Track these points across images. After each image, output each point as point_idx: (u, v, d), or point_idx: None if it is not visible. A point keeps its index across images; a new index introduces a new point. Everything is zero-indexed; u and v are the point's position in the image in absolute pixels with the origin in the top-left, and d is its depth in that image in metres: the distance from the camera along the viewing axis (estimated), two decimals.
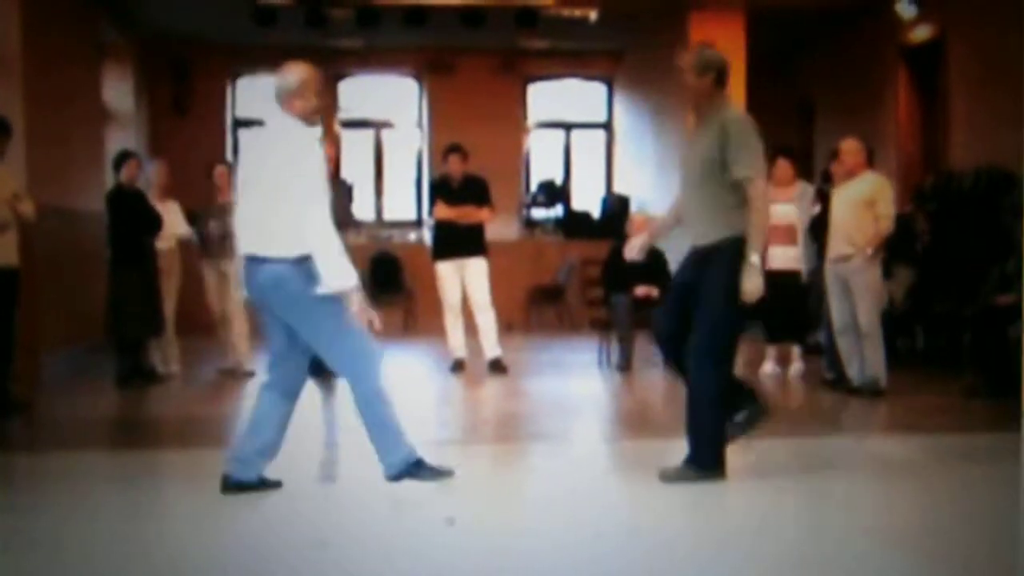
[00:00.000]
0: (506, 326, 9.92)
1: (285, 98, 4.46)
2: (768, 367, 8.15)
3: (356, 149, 13.44)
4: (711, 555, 3.60)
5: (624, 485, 4.73)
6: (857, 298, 6.90)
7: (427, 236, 10.49)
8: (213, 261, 8.24)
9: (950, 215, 8.90)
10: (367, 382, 4.26)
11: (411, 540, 3.78)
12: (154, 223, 7.77)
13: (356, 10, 10.89)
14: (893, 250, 7.63)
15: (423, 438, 5.34)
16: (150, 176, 8.32)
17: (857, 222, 6.88)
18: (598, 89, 14.08)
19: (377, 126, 13.68)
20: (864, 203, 6.88)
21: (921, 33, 10.42)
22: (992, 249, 7.77)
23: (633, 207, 12.24)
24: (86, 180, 9.73)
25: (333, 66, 13.29)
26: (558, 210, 13.49)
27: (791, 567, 3.46)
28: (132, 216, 7.70)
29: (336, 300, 4.19)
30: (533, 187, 13.69)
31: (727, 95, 4.70)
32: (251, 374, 8.17)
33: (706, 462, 4.54)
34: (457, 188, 8.41)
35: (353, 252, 9.08)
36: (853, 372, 7.04)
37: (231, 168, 9.02)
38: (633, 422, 6.66)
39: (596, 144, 14.15)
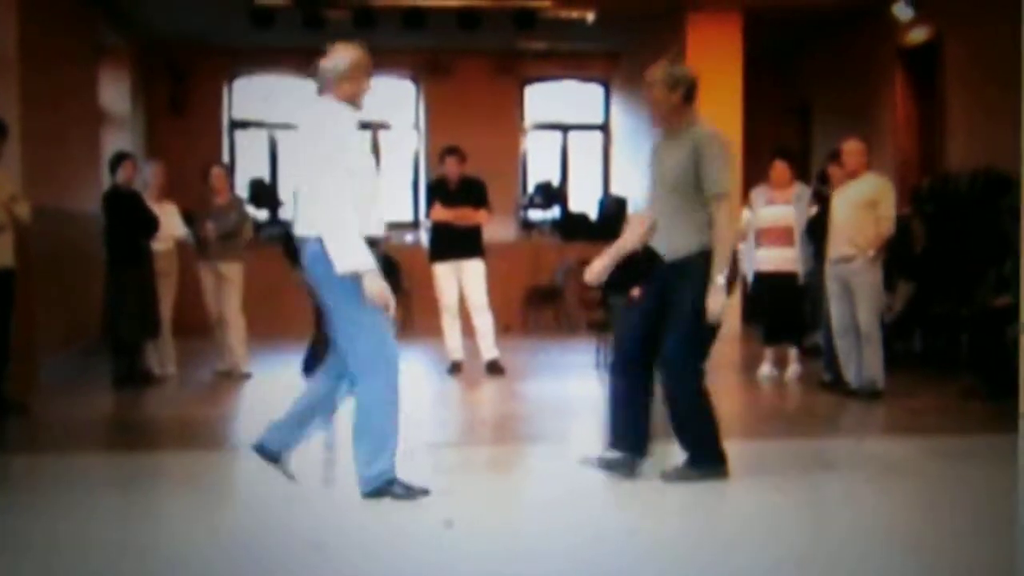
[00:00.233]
0: (503, 328, 9.91)
1: (334, 81, 4.30)
2: (766, 369, 8.15)
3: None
4: (710, 556, 3.60)
5: (622, 486, 4.72)
6: (858, 299, 6.89)
7: (424, 238, 10.48)
8: (210, 263, 8.22)
9: (947, 217, 8.91)
10: (372, 387, 4.20)
11: (409, 542, 3.77)
12: (151, 224, 7.76)
13: (353, 12, 10.87)
14: (893, 262, 7.61)
15: (420, 440, 5.34)
16: (147, 177, 8.31)
17: (858, 223, 6.88)
18: (595, 91, 14.08)
19: (374, 127, 13.66)
20: (866, 204, 6.88)
21: (918, 35, 10.43)
22: (989, 251, 7.78)
23: (630, 208, 12.24)
24: (82, 181, 9.71)
25: None
26: (555, 212, 13.49)
27: (791, 568, 3.46)
28: (129, 217, 7.68)
29: (357, 287, 4.11)
30: (530, 189, 13.68)
31: (696, 110, 4.69)
32: (248, 376, 8.17)
33: (706, 461, 4.55)
34: (454, 190, 8.40)
35: None
36: (851, 374, 7.03)
37: (227, 170, 9.03)
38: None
39: (593, 146, 14.14)
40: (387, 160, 13.69)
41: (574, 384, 8.21)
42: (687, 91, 4.61)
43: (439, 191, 8.46)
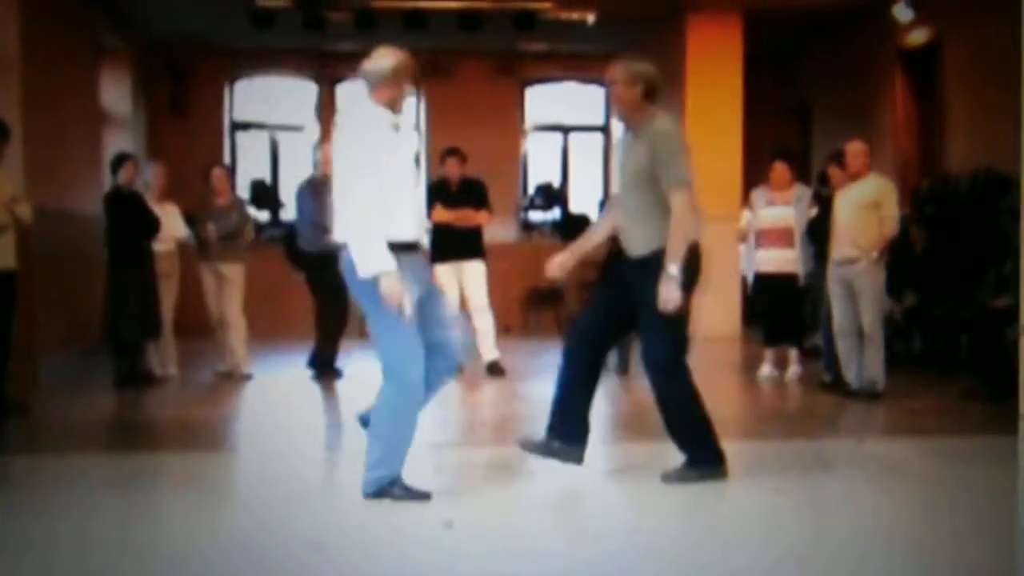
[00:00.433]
0: (504, 329, 9.92)
1: (375, 83, 4.29)
2: (766, 370, 8.16)
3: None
4: (710, 556, 3.60)
5: (623, 487, 4.73)
6: (861, 301, 6.90)
7: (424, 239, 10.48)
8: (211, 264, 8.23)
9: (947, 218, 8.91)
10: (392, 392, 4.22)
11: (409, 543, 3.78)
12: (152, 225, 7.76)
13: (354, 13, 10.88)
14: (896, 267, 7.60)
15: (421, 441, 5.34)
16: (148, 178, 8.31)
17: (861, 225, 6.88)
18: (596, 92, 14.08)
19: None
20: (868, 205, 6.89)
21: (918, 36, 10.44)
22: (989, 252, 7.78)
23: None
24: (84, 182, 9.72)
25: (331, 69, 13.29)
26: (556, 213, 13.50)
27: (791, 568, 3.47)
28: (130, 218, 7.68)
29: (374, 287, 4.13)
30: (531, 190, 13.69)
31: (655, 107, 4.70)
32: (249, 377, 8.17)
33: (705, 460, 4.56)
34: (455, 191, 8.41)
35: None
36: (851, 375, 7.04)
37: (229, 171, 9.03)
38: (631, 424, 6.66)
39: (594, 147, 14.15)
40: None
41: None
42: (647, 87, 4.63)
43: (440, 192, 8.46)
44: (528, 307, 12.61)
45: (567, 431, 4.67)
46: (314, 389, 7.94)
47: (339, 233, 4.26)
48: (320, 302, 8.20)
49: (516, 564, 3.52)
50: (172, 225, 8.17)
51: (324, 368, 8.21)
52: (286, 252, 8.67)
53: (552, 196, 13.57)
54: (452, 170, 8.42)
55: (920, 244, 8.90)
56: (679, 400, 4.61)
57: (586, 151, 14.17)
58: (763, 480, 4.73)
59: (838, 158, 7.53)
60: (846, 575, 3.44)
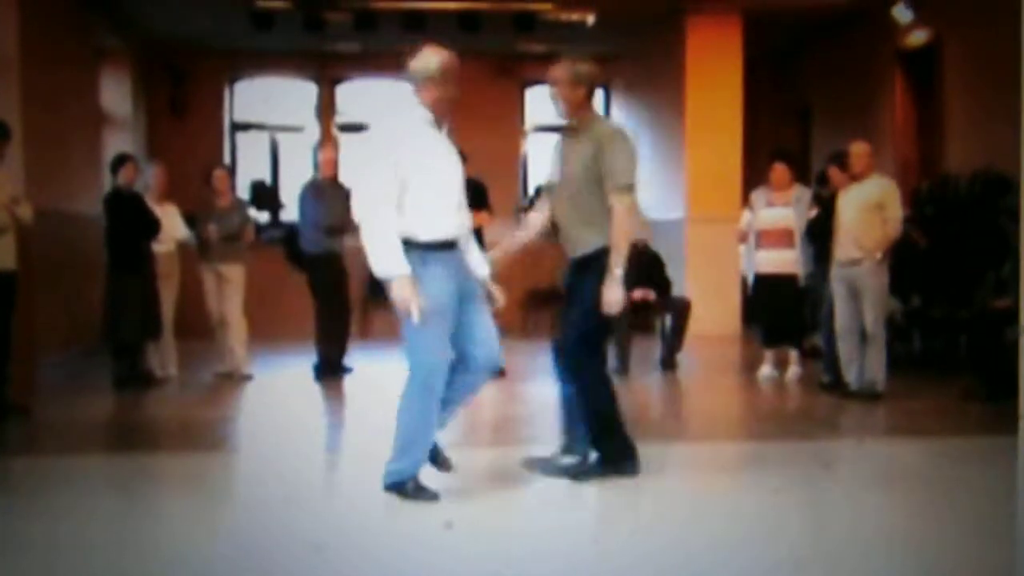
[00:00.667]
0: (503, 329, 9.91)
1: (419, 82, 4.30)
2: (766, 370, 8.16)
3: (354, 153, 13.45)
4: (710, 557, 3.61)
5: (622, 487, 4.73)
6: (865, 301, 6.90)
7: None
8: (212, 264, 8.23)
9: (947, 219, 8.92)
10: (411, 389, 4.25)
11: (408, 543, 3.78)
12: (152, 226, 7.76)
13: (354, 14, 10.89)
14: (901, 270, 7.59)
15: None
16: (148, 179, 8.31)
17: (865, 226, 6.88)
18: (595, 93, 14.08)
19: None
20: (872, 206, 6.89)
21: (917, 37, 10.45)
22: (989, 253, 7.79)
23: None
24: (84, 183, 9.73)
25: (330, 70, 13.31)
26: None
27: (790, 568, 3.47)
28: (130, 219, 7.68)
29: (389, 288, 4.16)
30: (531, 191, 13.69)
31: (597, 107, 4.73)
32: (249, 377, 8.18)
33: (611, 456, 4.60)
34: None
35: (351, 255, 9.09)
36: (851, 376, 7.04)
37: (230, 172, 9.04)
38: (630, 425, 6.65)
39: None
40: None
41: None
42: (590, 88, 4.65)
43: None
44: (528, 308, 12.61)
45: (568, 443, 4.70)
46: (314, 389, 7.94)
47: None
48: (321, 303, 8.22)
49: (516, 564, 3.53)
50: (172, 226, 8.18)
51: (330, 369, 8.21)
52: (286, 253, 8.68)
53: None
54: None
55: (922, 243, 8.88)
56: (583, 393, 4.62)
57: None
58: (763, 480, 4.73)
59: (837, 159, 7.54)
60: (846, 575, 3.44)
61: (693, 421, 6.99)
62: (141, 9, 11.06)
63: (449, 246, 4.27)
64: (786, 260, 7.86)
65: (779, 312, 8.01)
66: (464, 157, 8.81)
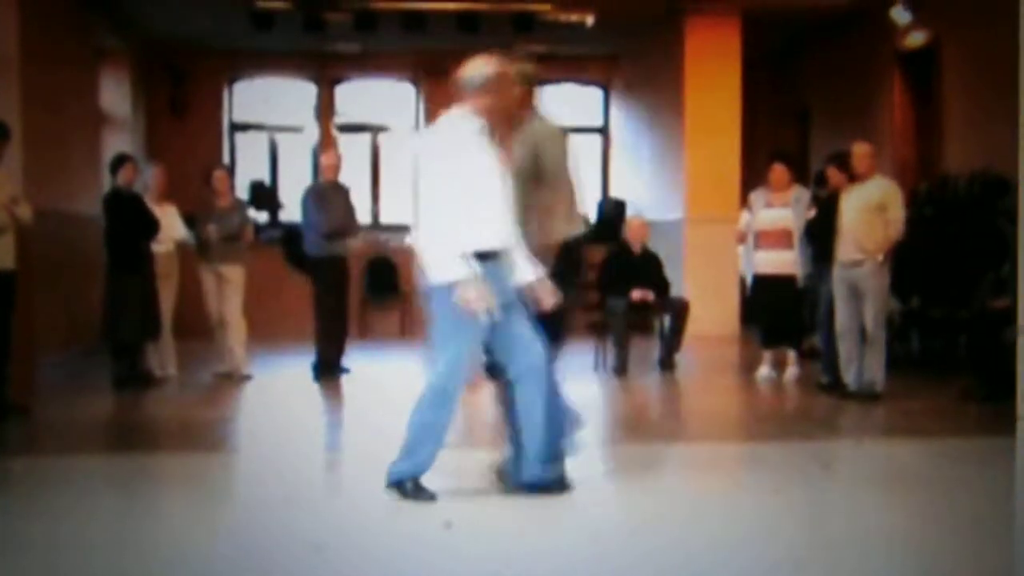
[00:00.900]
0: None
1: (468, 91, 4.28)
2: (764, 371, 8.16)
3: (353, 153, 13.45)
4: (709, 557, 3.61)
5: (621, 488, 4.74)
6: (866, 302, 6.90)
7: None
8: (212, 265, 8.23)
9: (945, 220, 8.92)
10: (433, 387, 4.25)
11: (408, 543, 3.78)
12: (151, 227, 7.76)
13: (353, 14, 10.89)
14: (903, 271, 7.59)
15: None
16: (147, 179, 8.31)
17: (866, 227, 6.87)
18: (594, 94, 14.09)
19: (374, 130, 13.69)
20: (874, 207, 6.88)
21: (916, 39, 10.46)
22: (987, 253, 7.79)
23: (629, 211, 12.26)
24: (83, 183, 9.73)
25: (330, 70, 13.31)
26: None
27: (789, 569, 3.47)
28: (129, 220, 7.68)
29: (441, 294, 4.17)
30: None
31: (537, 108, 4.76)
32: (248, 378, 8.18)
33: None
34: None
35: (351, 258, 9.09)
36: (850, 376, 7.04)
37: (230, 172, 9.05)
38: (629, 426, 6.67)
39: (592, 148, 14.16)
40: (387, 163, 13.72)
41: (573, 386, 8.17)
42: (529, 87, 4.67)
43: None
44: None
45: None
46: (313, 389, 7.95)
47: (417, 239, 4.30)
48: (320, 304, 8.25)
49: (515, 564, 3.53)
50: (171, 226, 8.18)
51: (328, 369, 8.23)
52: (285, 254, 8.69)
53: None
54: None
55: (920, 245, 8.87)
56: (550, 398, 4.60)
57: (585, 152, 14.16)
58: (762, 481, 4.74)
59: (836, 159, 7.54)
60: (845, 575, 3.45)
61: (692, 421, 6.99)
62: (141, 9, 11.06)
63: (493, 256, 4.27)
64: (785, 261, 7.86)
65: (778, 313, 8.01)
66: None
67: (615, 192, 13.66)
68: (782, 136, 12.93)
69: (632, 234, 8.91)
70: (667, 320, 8.82)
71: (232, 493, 4.86)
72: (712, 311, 10.53)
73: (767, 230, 7.94)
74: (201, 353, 8.78)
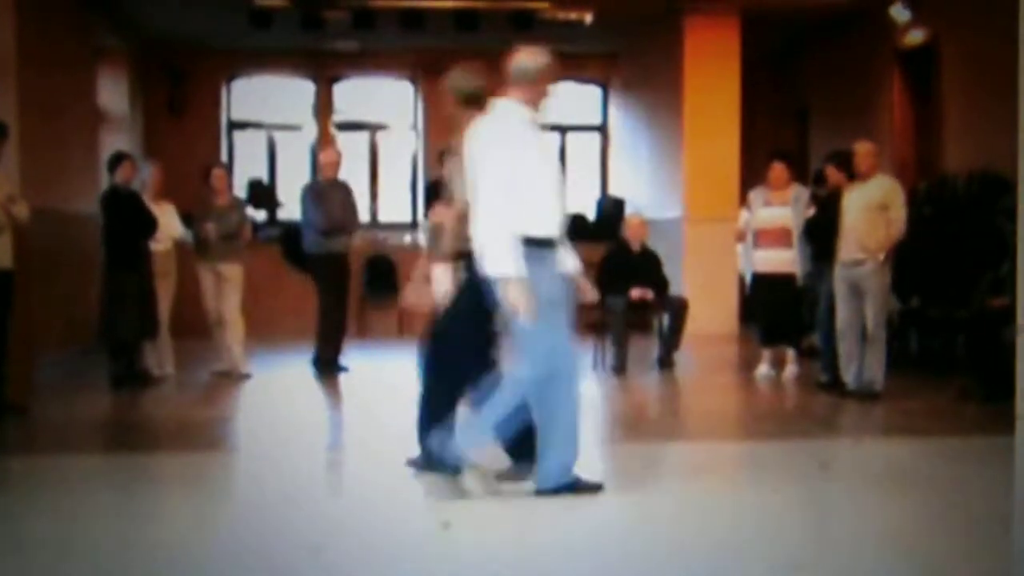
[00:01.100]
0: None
1: (518, 82, 4.30)
2: (763, 369, 8.16)
3: (351, 152, 13.44)
4: (708, 557, 3.60)
5: (620, 487, 4.73)
6: (867, 301, 6.89)
7: (422, 238, 10.49)
8: (210, 263, 8.23)
9: (944, 219, 8.92)
10: (536, 381, 4.22)
11: (407, 544, 3.78)
12: (150, 225, 7.75)
13: (352, 12, 10.88)
14: (904, 271, 7.58)
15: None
16: (144, 178, 8.30)
17: (868, 226, 6.86)
18: (593, 92, 14.08)
19: (372, 128, 13.68)
20: (876, 207, 6.88)
21: (915, 37, 10.45)
22: (986, 252, 7.79)
23: (628, 209, 12.25)
24: (81, 182, 9.72)
25: (328, 68, 13.29)
26: None
27: (787, 568, 3.47)
28: (127, 218, 7.67)
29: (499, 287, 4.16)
30: None
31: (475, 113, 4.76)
32: (247, 376, 8.17)
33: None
34: None
35: (351, 254, 9.11)
36: (850, 375, 7.04)
37: (228, 170, 9.05)
38: (628, 424, 6.67)
39: (591, 147, 14.15)
40: (385, 161, 13.72)
41: None
42: (461, 97, 4.73)
43: (438, 192, 8.46)
44: None
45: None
46: (312, 388, 7.95)
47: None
48: (322, 302, 8.28)
49: (514, 565, 3.52)
50: (169, 224, 8.17)
51: (327, 366, 8.27)
52: (283, 252, 8.70)
53: None
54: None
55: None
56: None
57: (584, 151, 14.16)
58: (761, 480, 4.74)
59: (835, 158, 7.53)
60: (844, 575, 3.44)
61: (691, 420, 6.99)
62: (139, 8, 11.05)
63: (550, 244, 4.27)
64: (784, 260, 7.86)
65: (777, 311, 8.01)
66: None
67: (614, 191, 13.65)
68: (781, 135, 12.93)
69: (631, 233, 8.91)
70: (666, 319, 8.81)
71: (231, 492, 4.86)
72: (711, 310, 10.53)
73: (766, 229, 7.94)
74: (199, 352, 8.78)
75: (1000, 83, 7.31)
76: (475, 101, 4.60)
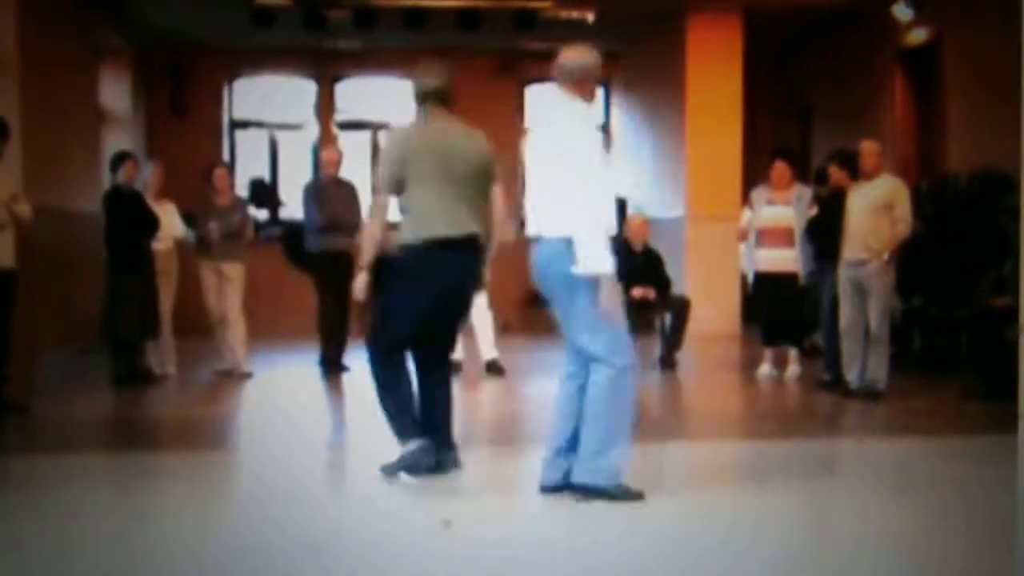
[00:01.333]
0: (503, 327, 9.91)
1: (578, 79, 4.33)
2: (765, 369, 8.16)
3: (353, 151, 13.43)
4: (709, 556, 3.60)
5: None
6: (871, 301, 6.88)
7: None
8: (212, 262, 8.23)
9: (947, 218, 8.91)
10: (605, 377, 4.20)
11: (407, 543, 3.77)
12: (152, 224, 7.75)
13: (353, 11, 10.88)
14: (907, 271, 7.58)
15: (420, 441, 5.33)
16: (146, 177, 8.31)
17: (872, 226, 6.85)
18: (595, 92, 14.06)
19: (374, 128, 13.67)
20: (881, 206, 6.87)
21: (918, 36, 10.44)
22: (989, 251, 7.78)
23: (630, 209, 12.22)
24: (83, 182, 9.72)
25: (330, 67, 13.29)
26: None
27: (789, 569, 3.46)
28: (130, 217, 7.68)
29: (591, 284, 4.13)
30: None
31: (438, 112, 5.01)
32: (248, 375, 8.17)
33: (405, 453, 4.64)
34: None
35: (353, 253, 9.11)
36: (852, 375, 7.03)
37: (230, 170, 9.06)
38: (630, 424, 6.65)
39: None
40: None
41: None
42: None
43: None
44: (527, 306, 12.58)
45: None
46: (314, 387, 7.95)
47: (545, 225, 4.25)
48: (322, 301, 8.28)
49: (515, 565, 3.52)
50: (170, 224, 8.17)
51: (330, 366, 8.28)
52: (284, 251, 8.70)
53: None
54: None
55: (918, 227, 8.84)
56: (376, 385, 4.82)
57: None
58: (763, 479, 4.73)
59: (837, 157, 7.52)
60: (846, 574, 3.44)
61: (692, 420, 6.98)
62: (141, 8, 11.05)
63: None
64: (786, 259, 7.85)
65: (779, 311, 8.00)
66: None
67: (616, 190, 13.64)
68: (783, 134, 12.92)
69: (633, 232, 8.90)
70: (668, 318, 8.81)
71: (232, 491, 4.85)
72: (713, 309, 10.52)
73: (768, 228, 7.93)
74: (201, 351, 8.78)
75: (1002, 82, 7.30)
76: (438, 98, 4.83)
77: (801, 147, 12.45)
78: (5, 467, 5.27)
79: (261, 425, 6.66)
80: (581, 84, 4.32)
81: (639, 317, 8.90)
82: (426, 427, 4.71)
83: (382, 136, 5.00)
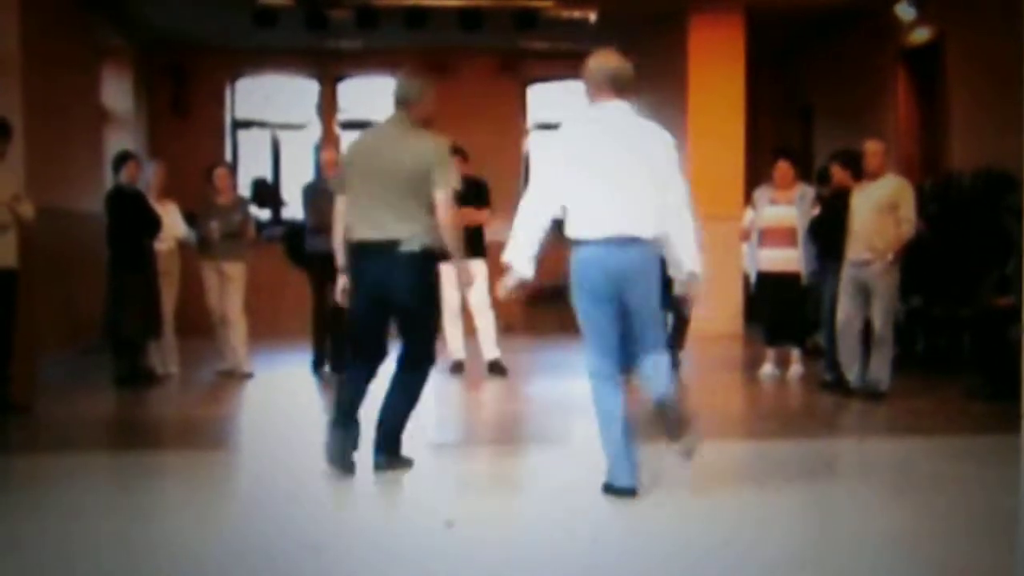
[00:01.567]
0: (505, 327, 9.91)
1: (627, 85, 4.56)
2: (767, 368, 8.15)
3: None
4: (710, 555, 3.60)
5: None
6: (875, 302, 6.87)
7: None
8: (214, 262, 8.23)
9: (949, 217, 8.90)
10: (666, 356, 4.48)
11: (409, 543, 3.77)
12: (154, 224, 7.76)
13: (355, 11, 10.88)
14: (909, 271, 7.58)
15: (422, 440, 5.34)
16: (148, 177, 8.31)
17: (877, 226, 6.84)
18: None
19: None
20: (886, 206, 6.85)
21: (920, 35, 10.43)
22: (992, 251, 7.77)
23: None
24: (85, 181, 9.73)
25: (332, 67, 13.29)
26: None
27: (790, 569, 3.46)
28: (132, 217, 7.68)
29: (666, 282, 4.38)
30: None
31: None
32: (250, 375, 8.18)
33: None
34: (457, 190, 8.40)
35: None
36: (853, 374, 7.02)
37: (232, 169, 9.06)
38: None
39: None
40: None
41: (576, 384, 8.16)
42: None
43: None
44: (529, 306, 12.59)
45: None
46: (315, 388, 7.94)
47: (636, 227, 4.44)
48: (315, 302, 8.27)
49: (516, 564, 3.52)
50: (172, 224, 8.18)
51: (321, 368, 8.27)
52: (286, 251, 8.70)
53: None
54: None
55: (924, 229, 8.84)
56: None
57: None
58: (765, 479, 4.73)
59: (840, 157, 7.51)
60: (847, 574, 3.43)
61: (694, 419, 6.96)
62: (142, 8, 11.06)
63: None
64: (789, 258, 7.84)
65: (781, 310, 7.99)
66: (465, 155, 8.88)
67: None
68: (785, 133, 12.91)
69: None
70: (670, 318, 8.79)
71: (234, 491, 4.85)
72: (715, 309, 10.51)
73: (771, 227, 7.92)
74: (203, 351, 8.78)
75: (1005, 81, 7.30)
76: (399, 105, 5.16)
77: (803, 147, 12.44)
78: (7, 467, 5.27)
79: (262, 425, 6.66)
80: (629, 90, 4.52)
81: None
82: (379, 425, 4.82)
83: None
